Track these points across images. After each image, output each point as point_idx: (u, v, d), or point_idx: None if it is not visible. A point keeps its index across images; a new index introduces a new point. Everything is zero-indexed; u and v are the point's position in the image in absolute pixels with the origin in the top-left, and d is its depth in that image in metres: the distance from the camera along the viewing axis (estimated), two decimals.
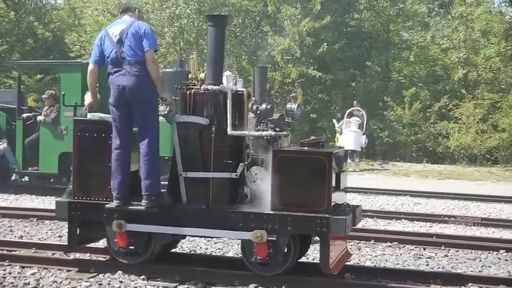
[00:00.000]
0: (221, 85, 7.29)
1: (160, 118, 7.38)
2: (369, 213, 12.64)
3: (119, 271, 7.41)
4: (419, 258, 9.12)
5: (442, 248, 9.72)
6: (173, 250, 8.53)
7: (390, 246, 9.79)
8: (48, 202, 13.71)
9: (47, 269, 7.66)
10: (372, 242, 10.03)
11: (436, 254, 9.41)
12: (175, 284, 7.14)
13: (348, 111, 9.69)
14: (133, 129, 7.31)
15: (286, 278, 7.07)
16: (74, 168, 7.56)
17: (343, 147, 8.07)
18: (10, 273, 7.45)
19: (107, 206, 7.30)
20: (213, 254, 8.97)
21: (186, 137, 7.34)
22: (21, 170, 15.37)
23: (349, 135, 8.68)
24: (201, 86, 7.40)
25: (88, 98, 7.99)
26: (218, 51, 7.46)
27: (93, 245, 8.32)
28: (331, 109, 28.72)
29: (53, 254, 8.46)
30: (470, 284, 7.40)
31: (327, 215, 6.79)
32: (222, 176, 7.22)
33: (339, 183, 7.25)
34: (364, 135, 8.97)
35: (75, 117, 8.88)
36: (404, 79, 30.77)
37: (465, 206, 14.95)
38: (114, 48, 7.22)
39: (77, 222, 7.58)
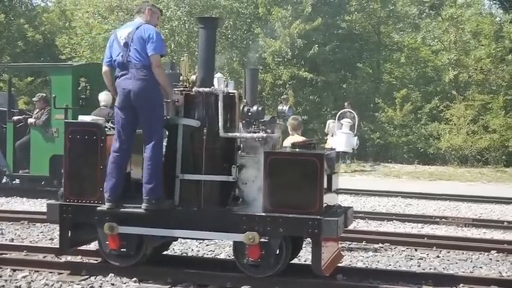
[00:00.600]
0: (212, 87, 7.29)
1: None
2: (360, 215, 12.65)
3: (111, 273, 7.39)
4: (411, 259, 9.14)
5: (434, 249, 9.74)
6: (165, 252, 8.51)
7: (382, 247, 9.80)
8: (39, 205, 13.66)
9: (38, 271, 7.64)
10: (363, 243, 10.04)
11: (427, 255, 9.43)
12: (167, 286, 7.13)
13: (339, 113, 9.70)
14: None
15: (278, 280, 7.07)
16: (65, 171, 7.54)
17: (334, 149, 8.08)
18: (1, 276, 7.43)
19: (98, 208, 7.28)
20: (205, 256, 8.97)
21: (176, 139, 7.32)
22: (12, 172, 15.31)
23: (340, 136, 8.69)
24: (192, 88, 7.39)
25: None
26: (209, 54, 7.45)
27: (84, 247, 8.29)
28: (323, 111, 28.74)
29: (44, 256, 8.44)
30: (461, 285, 7.42)
31: (318, 217, 6.79)
32: (218, 178, 7.20)
33: (331, 185, 7.26)
34: (356, 137, 8.99)
35: (66, 120, 8.87)
36: (395, 80, 30.84)
37: (456, 207, 14.98)
38: (121, 52, 7.20)
39: (69, 225, 7.56)
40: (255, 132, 7.40)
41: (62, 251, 7.82)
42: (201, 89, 7.29)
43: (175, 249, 9.14)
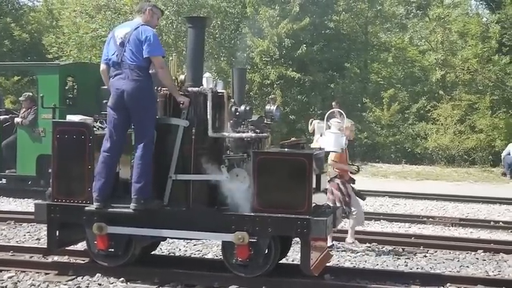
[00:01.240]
0: (201, 87, 7.27)
1: None
2: None
3: (98, 274, 7.37)
4: (398, 258, 9.16)
5: (421, 248, 9.77)
6: (152, 252, 8.49)
7: (369, 247, 9.82)
8: (26, 205, 13.60)
9: (24, 272, 7.61)
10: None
11: (415, 254, 9.46)
12: (154, 286, 7.12)
13: (327, 113, 9.69)
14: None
15: (266, 280, 7.06)
16: (53, 171, 7.50)
17: (323, 149, 8.09)
18: None
19: (86, 208, 7.25)
20: (192, 256, 8.95)
21: (166, 138, 7.30)
22: None
23: (329, 136, 8.71)
24: (181, 87, 7.37)
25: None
26: (198, 53, 7.44)
27: (71, 247, 8.26)
28: (310, 110, 28.76)
29: (31, 256, 8.40)
30: (448, 284, 7.45)
31: (307, 216, 6.80)
32: (207, 178, 7.17)
33: (319, 185, 7.26)
34: (345, 137, 9.03)
35: (54, 119, 8.83)
36: (382, 80, 30.91)
37: (443, 207, 15.04)
38: (117, 51, 7.16)
39: (56, 225, 7.53)
40: (243, 132, 7.39)
41: (50, 251, 7.79)
42: (190, 89, 7.28)
43: (163, 249, 9.12)
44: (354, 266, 8.58)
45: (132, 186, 7.10)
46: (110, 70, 7.30)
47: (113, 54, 7.19)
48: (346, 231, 9.98)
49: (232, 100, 7.84)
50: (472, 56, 28.43)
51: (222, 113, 7.44)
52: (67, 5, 31.86)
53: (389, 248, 9.75)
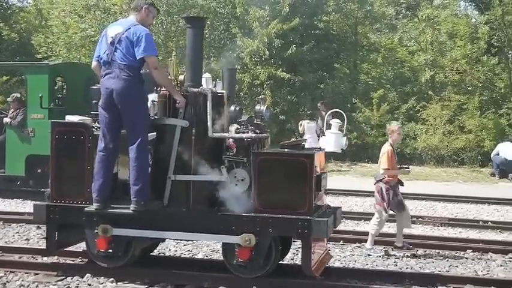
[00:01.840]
0: (201, 87, 7.24)
1: None
2: None
3: (88, 274, 7.35)
4: (388, 258, 9.19)
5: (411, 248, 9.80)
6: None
7: (359, 247, 9.84)
8: (15, 205, 13.56)
9: (13, 272, 7.58)
10: (340, 242, 10.08)
11: (404, 254, 9.49)
12: (144, 287, 7.11)
13: (327, 113, 9.74)
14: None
15: (255, 280, 7.05)
16: (52, 171, 7.44)
17: (323, 149, 8.07)
18: None
19: (86, 209, 7.22)
20: (182, 256, 8.94)
21: (164, 139, 7.26)
22: None
23: (329, 136, 8.73)
24: (180, 88, 7.33)
25: None
26: (197, 53, 7.40)
27: None
28: (300, 111, 28.77)
29: (20, 257, 8.38)
30: (438, 284, 7.47)
31: (308, 217, 6.78)
32: (207, 178, 7.15)
33: (320, 185, 7.23)
34: (345, 137, 9.05)
35: (52, 120, 8.79)
36: (372, 81, 30.98)
37: (432, 207, 15.09)
38: (107, 50, 7.13)
39: (56, 226, 7.48)
40: (244, 133, 7.36)
41: (50, 252, 7.74)
42: (189, 89, 7.24)
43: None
44: (344, 266, 8.60)
45: (131, 188, 7.06)
46: (101, 67, 7.27)
47: (104, 53, 7.16)
48: (394, 235, 9.85)
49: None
50: (461, 57, 28.55)
51: (222, 113, 7.41)
52: (56, 4, 31.73)
53: (379, 248, 9.77)
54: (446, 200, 16.02)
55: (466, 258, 9.35)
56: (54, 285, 7.09)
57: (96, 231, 7.24)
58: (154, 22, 27.02)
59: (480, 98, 28.16)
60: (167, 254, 9.01)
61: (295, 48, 27.47)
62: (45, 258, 8.18)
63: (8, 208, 13.25)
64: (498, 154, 22.07)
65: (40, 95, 14.16)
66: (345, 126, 9.31)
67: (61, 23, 29.78)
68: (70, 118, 7.81)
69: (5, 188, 15.19)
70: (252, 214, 6.93)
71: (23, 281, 7.27)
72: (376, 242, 9.91)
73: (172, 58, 7.74)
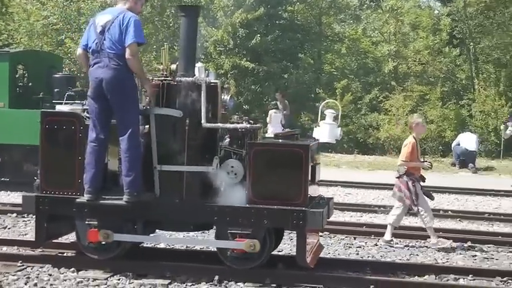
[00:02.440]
0: (195, 77, 7.18)
1: None
2: None
3: (48, 264, 7.28)
4: (350, 247, 9.26)
5: (372, 237, 9.90)
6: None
7: (321, 236, 9.89)
8: None
9: None
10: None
11: (366, 243, 9.58)
12: (106, 275, 7.07)
13: (322, 104, 9.73)
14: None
15: (218, 268, 7.06)
16: (41, 162, 7.31)
17: (317, 140, 8.06)
18: None
19: (77, 200, 7.13)
20: (145, 246, 8.88)
21: (160, 129, 7.18)
22: None
23: (324, 127, 8.67)
24: (173, 77, 7.25)
25: None
26: (191, 42, 7.34)
27: (20, 237, 8.14)
28: (264, 100, 28.82)
29: None
30: (399, 272, 7.55)
31: (303, 208, 6.76)
32: (197, 169, 7.09)
33: (314, 176, 7.23)
34: (340, 128, 9.01)
35: (42, 109, 8.65)
36: (336, 71, 31.13)
37: None
38: (96, 39, 7.02)
39: (45, 217, 7.35)
40: (238, 123, 7.31)
41: (38, 243, 7.62)
42: (183, 79, 7.17)
43: None
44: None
45: (123, 179, 6.99)
46: (86, 55, 7.19)
47: (93, 42, 7.05)
48: (425, 229, 9.66)
49: None
50: (423, 48, 28.85)
51: (215, 103, 7.33)
52: None
53: (341, 237, 9.84)
54: None
55: (427, 246, 9.47)
56: (13, 275, 7.00)
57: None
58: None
59: (442, 88, 28.49)
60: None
61: (259, 38, 27.48)
62: (4, 248, 8.08)
63: None
64: (459, 144, 22.35)
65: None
66: (339, 117, 9.25)
67: (22, 10, 29.27)
68: (61, 108, 7.68)
69: None
70: (247, 205, 6.88)
71: None
72: (338, 231, 9.96)
73: (165, 47, 7.62)
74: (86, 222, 7.16)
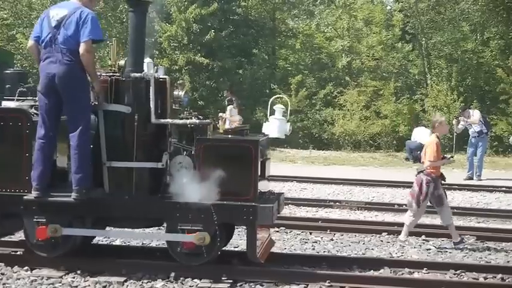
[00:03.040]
0: (143, 72, 7.09)
1: None
2: None
3: (1, 263, 7.14)
4: (306, 242, 9.28)
5: (328, 232, 9.92)
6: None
7: (277, 231, 9.89)
8: None
9: None
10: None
11: (321, 238, 9.60)
12: (60, 274, 6.95)
13: (271, 99, 9.73)
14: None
15: (171, 264, 7.01)
16: None
17: (267, 135, 8.03)
18: None
19: (25, 197, 6.98)
20: (100, 243, 8.77)
21: (109, 125, 7.06)
22: None
23: (273, 122, 8.67)
24: (122, 73, 7.15)
25: None
26: (139, 38, 7.22)
27: None
28: (219, 96, 28.78)
29: None
30: (355, 266, 7.59)
31: (254, 204, 6.73)
32: (146, 165, 7.01)
33: (264, 171, 7.20)
34: (289, 123, 9.00)
35: None
36: (290, 67, 31.23)
37: (350, 191, 15.32)
38: (50, 33, 6.87)
39: None
40: (187, 119, 7.24)
41: None
42: (132, 74, 7.06)
43: None
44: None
45: (72, 176, 6.88)
46: (37, 47, 7.03)
47: (47, 35, 6.91)
48: (446, 227, 9.45)
49: None
50: (376, 43, 29.13)
51: (164, 99, 7.22)
52: None
53: (297, 232, 9.86)
54: (363, 184, 16.27)
55: (382, 240, 9.54)
56: None
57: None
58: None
59: (395, 84, 28.81)
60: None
61: (213, 34, 27.42)
62: None
63: None
64: (410, 139, 22.59)
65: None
66: (288, 112, 9.25)
67: None
68: (6, 104, 7.51)
69: None
70: (197, 201, 6.82)
71: None
72: (294, 226, 9.97)
73: (113, 42, 7.51)
74: (34, 220, 7.03)
